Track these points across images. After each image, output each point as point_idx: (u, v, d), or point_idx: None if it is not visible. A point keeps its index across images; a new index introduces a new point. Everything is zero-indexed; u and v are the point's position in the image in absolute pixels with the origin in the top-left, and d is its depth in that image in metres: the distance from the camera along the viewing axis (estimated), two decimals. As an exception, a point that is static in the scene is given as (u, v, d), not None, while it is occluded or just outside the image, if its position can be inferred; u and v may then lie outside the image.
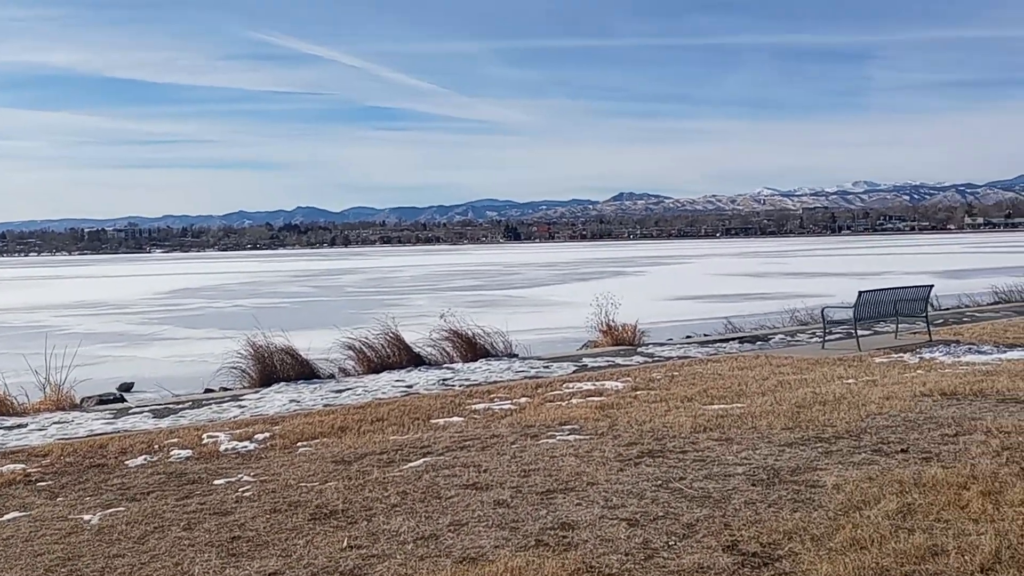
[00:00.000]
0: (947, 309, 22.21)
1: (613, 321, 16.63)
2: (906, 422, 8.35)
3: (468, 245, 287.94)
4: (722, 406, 9.78)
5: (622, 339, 16.47)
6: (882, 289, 15.04)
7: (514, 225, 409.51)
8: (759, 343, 16.36)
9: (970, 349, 14.23)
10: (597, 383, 12.05)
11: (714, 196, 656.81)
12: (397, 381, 12.91)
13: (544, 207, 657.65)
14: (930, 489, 5.78)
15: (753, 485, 6.28)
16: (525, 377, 13.03)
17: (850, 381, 11.23)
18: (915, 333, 16.22)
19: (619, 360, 14.46)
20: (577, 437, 8.49)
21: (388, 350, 14.15)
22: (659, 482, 6.55)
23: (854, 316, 14.49)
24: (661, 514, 5.72)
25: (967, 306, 22.79)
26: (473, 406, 10.61)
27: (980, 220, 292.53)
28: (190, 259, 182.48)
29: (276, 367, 13.10)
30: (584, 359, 14.68)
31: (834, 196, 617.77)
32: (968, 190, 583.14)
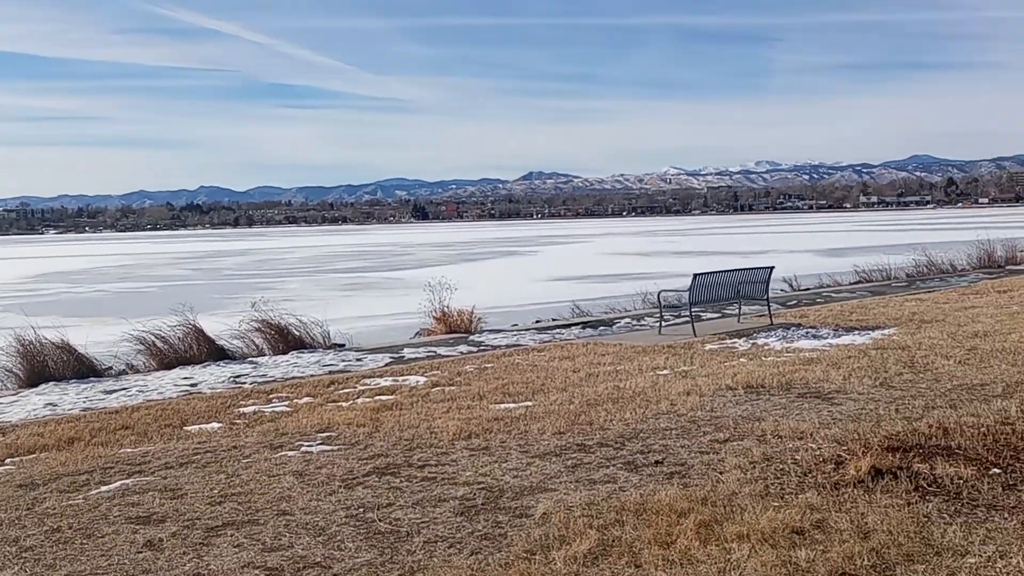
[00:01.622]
0: (806, 289, 21.89)
1: (448, 307, 15.65)
2: (688, 423, 7.57)
3: (375, 225, 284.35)
4: (510, 405, 8.88)
5: (458, 326, 15.51)
6: (718, 272, 14.37)
7: (422, 204, 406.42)
8: (601, 328, 15.60)
9: (808, 333, 13.69)
10: (400, 378, 11.06)
11: (622, 175, 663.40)
12: (184, 379, 11.69)
13: (454, 186, 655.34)
14: (647, 519, 4.93)
15: (459, 515, 5.35)
16: (330, 371, 11.96)
17: (664, 372, 10.48)
18: (761, 316, 15.67)
19: (442, 350, 13.49)
20: (323, 448, 7.48)
21: (185, 343, 12.90)
22: (359, 510, 5.58)
23: (689, 300, 13.80)
24: (319, 559, 4.74)
25: (828, 286, 22.51)
26: (244, 409, 9.51)
27: (875, 199, 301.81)
28: (82, 241, 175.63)
29: (48, 365, 11.74)
30: (405, 349, 13.68)
31: (738, 175, 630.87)
32: (864, 170, 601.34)
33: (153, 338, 12.76)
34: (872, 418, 7.27)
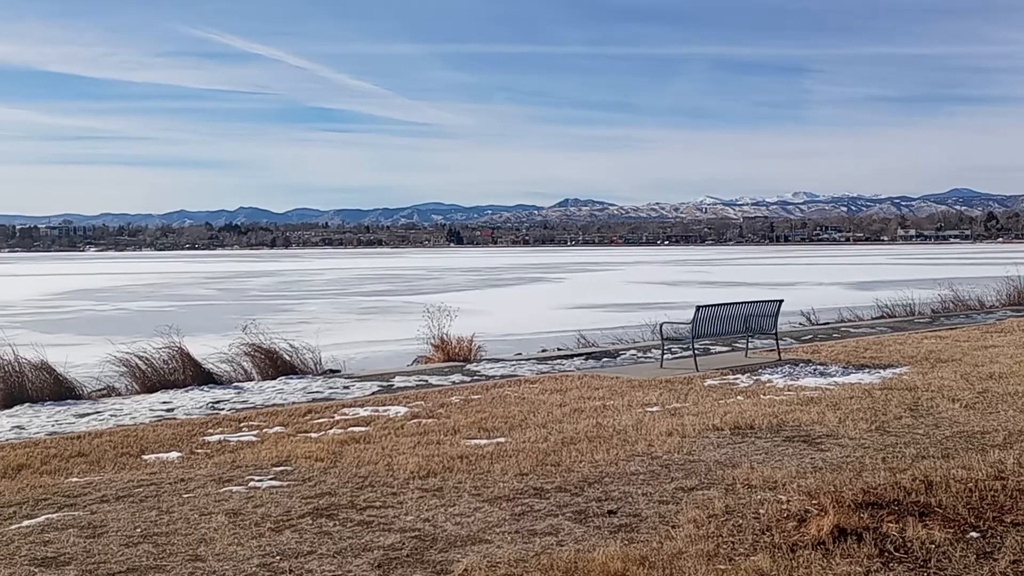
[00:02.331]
0: (825, 323, 21.24)
1: (447, 335, 15.24)
2: (660, 467, 7.08)
3: (409, 249, 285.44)
4: (482, 441, 8.45)
5: (456, 354, 15.10)
6: (723, 304, 13.84)
7: (457, 229, 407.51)
8: (605, 360, 15.11)
9: (815, 370, 13.12)
10: (380, 408, 10.66)
11: (658, 204, 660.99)
12: (163, 403, 11.37)
13: (490, 211, 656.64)
14: (573, 580, 4.46)
15: (376, 567, 4.92)
16: (313, 399, 11.58)
17: (653, 409, 9.99)
18: (771, 351, 15.11)
19: (434, 380, 13.08)
20: (272, 484, 7.08)
21: (170, 367, 12.60)
22: (275, 559, 5.17)
23: (692, 333, 13.29)
24: (206, 616, 4.33)
25: (848, 320, 21.83)
26: (209, 437, 9.14)
27: (912, 232, 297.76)
28: (119, 259, 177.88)
29: (26, 386, 11.49)
30: (397, 377, 13.27)
31: (775, 206, 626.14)
32: (903, 203, 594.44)
33: (137, 360, 12.47)
34: (855, 467, 6.74)
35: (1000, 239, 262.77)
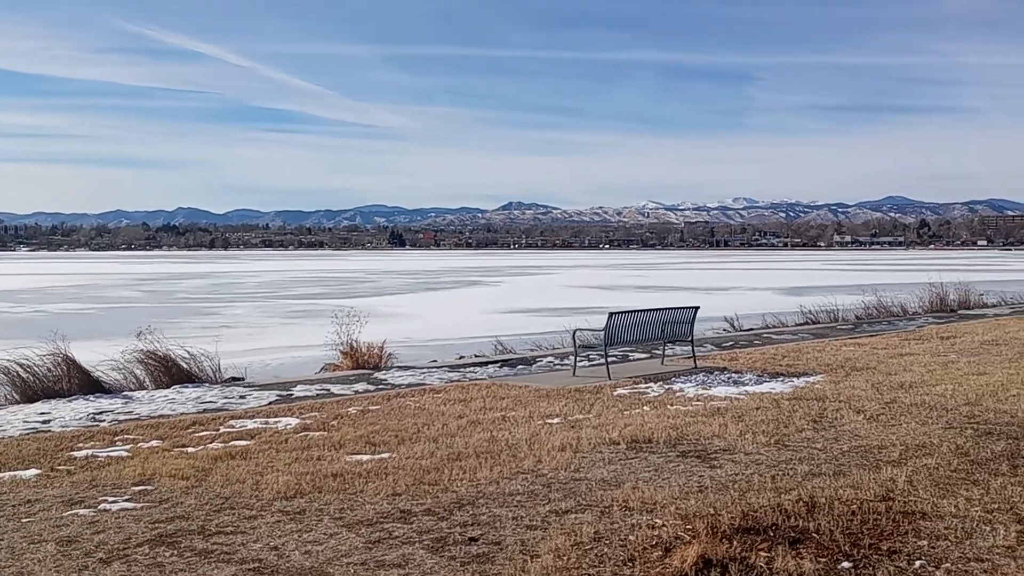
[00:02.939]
0: (750, 330, 21.14)
1: (357, 341, 14.73)
2: (542, 486, 6.70)
3: (350, 251, 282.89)
4: (364, 457, 7.99)
5: (366, 362, 14.59)
6: (636, 311, 13.53)
7: (400, 231, 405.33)
8: (520, 367, 14.74)
9: (729, 379, 12.89)
10: (272, 420, 10.14)
11: (601, 208, 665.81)
12: (40, 414, 10.70)
13: (433, 214, 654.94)
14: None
15: (195, 607, 4.45)
16: (203, 410, 10.99)
17: (554, 421, 9.62)
18: (689, 358, 14.85)
19: (336, 388, 12.56)
20: (125, 506, 6.55)
21: (55, 375, 11.91)
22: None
23: (605, 340, 12.97)
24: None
25: (772, 327, 21.77)
26: (78, 453, 8.54)
27: (848, 238, 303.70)
28: (50, 259, 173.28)
29: None
30: (299, 386, 12.73)
31: (716, 211, 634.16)
32: (840, 209, 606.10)
33: (18, 368, 11.76)
34: (742, 487, 6.42)
35: (932, 246, 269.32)
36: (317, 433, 9.26)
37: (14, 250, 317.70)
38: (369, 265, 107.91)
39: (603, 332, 12.94)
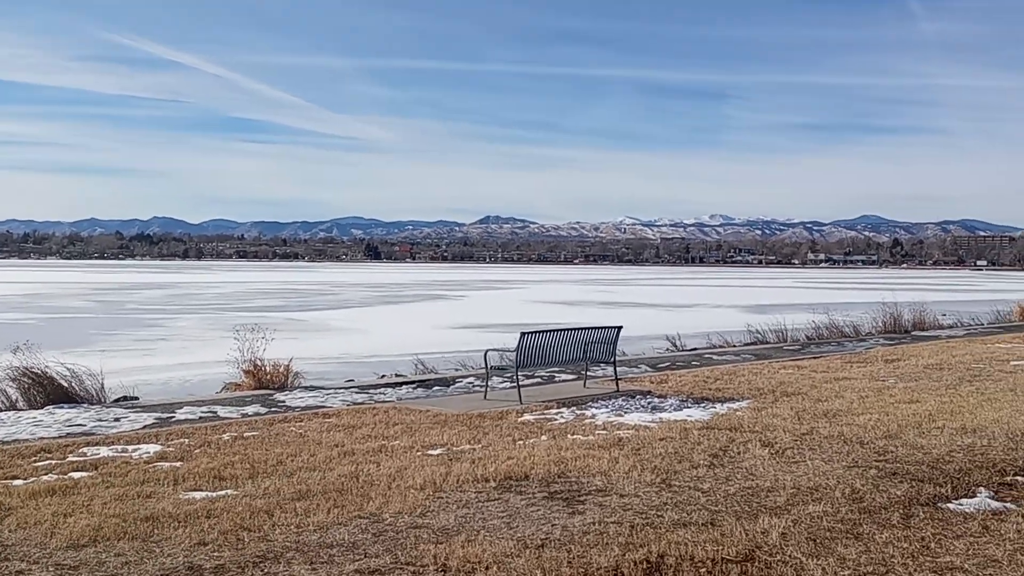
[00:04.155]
0: (692, 350, 20.40)
1: (261, 360, 13.84)
2: (370, 536, 5.87)
3: (325, 263, 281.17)
4: (201, 494, 7.13)
5: (270, 381, 13.71)
6: (551, 331, 12.72)
7: (376, 244, 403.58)
8: (436, 388, 13.90)
9: (649, 404, 12.11)
10: (131, 447, 9.25)
11: (578, 223, 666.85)
12: None
13: (410, 227, 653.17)
14: None
15: None
16: (67, 435, 10.07)
17: (435, 452, 8.79)
18: (616, 380, 14.04)
19: (224, 411, 11.67)
20: None
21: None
22: None
23: (516, 362, 12.16)
24: None
25: (716, 346, 21.05)
26: None
27: (822, 256, 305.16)
28: (17, 267, 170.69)
29: None
30: (184, 408, 11.82)
31: (692, 228, 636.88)
32: (815, 227, 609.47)
33: None
34: (593, 540, 5.61)
35: (904, 264, 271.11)
36: (170, 464, 8.39)
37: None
38: (338, 278, 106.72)
39: (515, 353, 12.13)
